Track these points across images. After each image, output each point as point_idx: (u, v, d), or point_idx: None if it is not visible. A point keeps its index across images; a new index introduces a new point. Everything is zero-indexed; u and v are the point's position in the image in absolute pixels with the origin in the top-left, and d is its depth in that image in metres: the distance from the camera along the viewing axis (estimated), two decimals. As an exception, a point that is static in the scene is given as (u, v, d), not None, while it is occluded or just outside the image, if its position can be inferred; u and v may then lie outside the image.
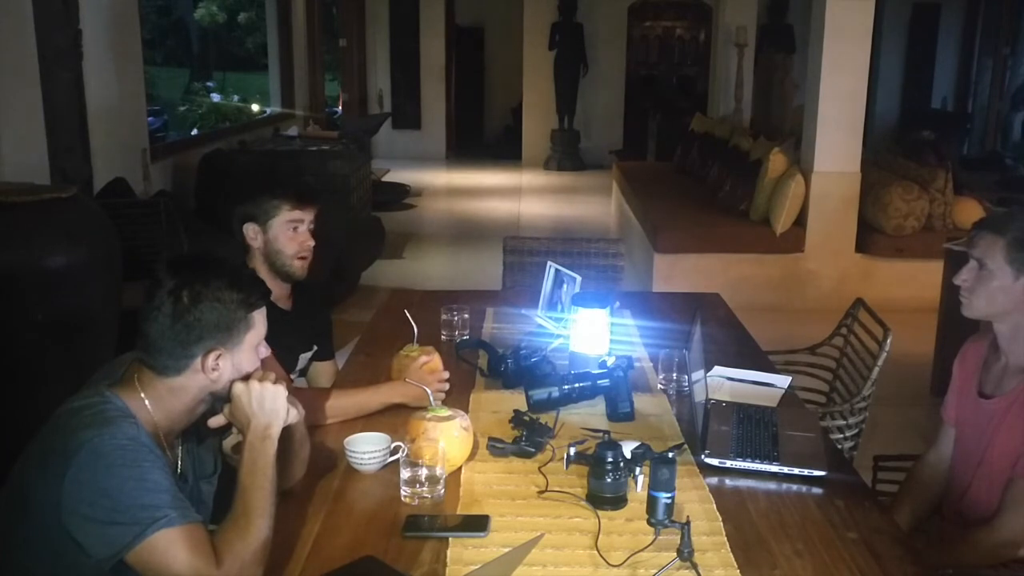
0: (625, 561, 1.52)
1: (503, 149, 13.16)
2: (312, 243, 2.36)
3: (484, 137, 14.31)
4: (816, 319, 4.01)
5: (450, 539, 1.59)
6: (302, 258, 2.34)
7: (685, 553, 1.50)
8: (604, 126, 12.49)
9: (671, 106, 11.10)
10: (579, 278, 2.68)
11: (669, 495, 1.59)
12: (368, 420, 2.08)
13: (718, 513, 1.70)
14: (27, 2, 4.19)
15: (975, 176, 7.96)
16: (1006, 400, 1.94)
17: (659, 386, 2.34)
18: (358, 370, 2.45)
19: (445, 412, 1.86)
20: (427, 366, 2.17)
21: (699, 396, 2.07)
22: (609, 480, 1.69)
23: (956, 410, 2.11)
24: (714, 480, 1.84)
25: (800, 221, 5.73)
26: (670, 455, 1.74)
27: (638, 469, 1.75)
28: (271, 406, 1.58)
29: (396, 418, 2.05)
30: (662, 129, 10.43)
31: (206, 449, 1.71)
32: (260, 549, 1.46)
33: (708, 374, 2.32)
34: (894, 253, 5.74)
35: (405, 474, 1.72)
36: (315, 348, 2.53)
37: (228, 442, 1.81)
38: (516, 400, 2.17)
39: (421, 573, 1.50)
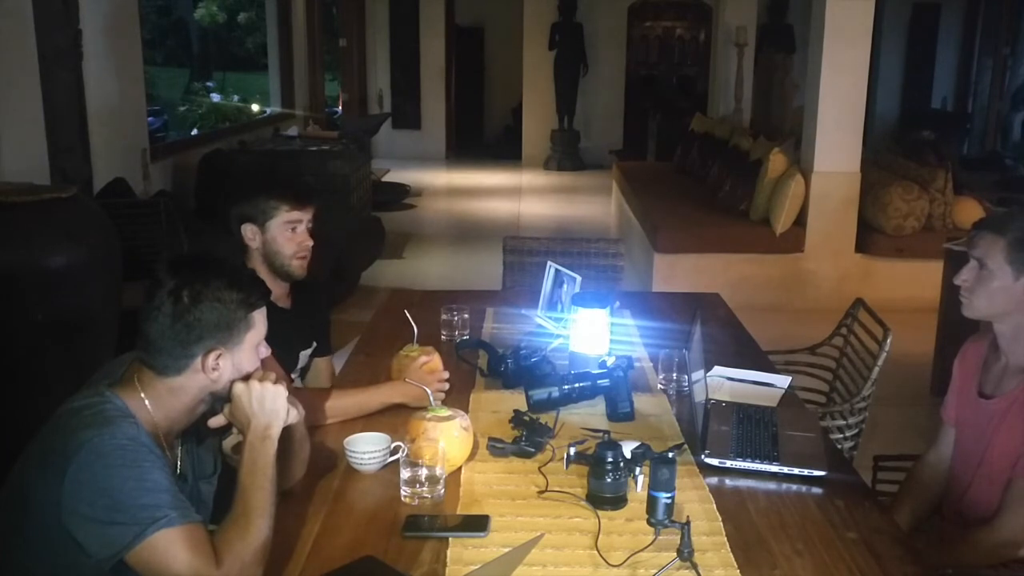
0: (625, 561, 1.52)
1: (503, 149, 13.15)
2: (310, 243, 2.36)
3: (484, 137, 14.30)
4: (816, 319, 4.01)
5: (450, 539, 1.59)
6: (301, 258, 2.34)
7: (685, 553, 1.50)
8: (604, 126, 12.48)
9: (671, 106, 11.08)
10: (579, 278, 2.68)
11: (669, 495, 1.59)
12: (368, 420, 2.08)
13: (718, 513, 1.70)
14: (27, 2, 4.19)
15: (975, 176, 7.94)
16: (1006, 400, 1.94)
17: (659, 386, 2.34)
18: (358, 370, 2.45)
19: (445, 412, 1.86)
20: (427, 366, 2.17)
21: (699, 396, 2.07)
22: (609, 480, 1.69)
23: (956, 410, 2.11)
24: (714, 480, 1.84)
25: (800, 221, 5.73)
26: (670, 455, 1.74)
27: (638, 469, 1.75)
28: (271, 406, 1.58)
29: (396, 418, 2.05)
30: (662, 129, 10.43)
31: (206, 449, 1.71)
32: (260, 549, 1.46)
33: (708, 374, 2.32)
34: (894, 253, 5.74)
35: (405, 474, 1.72)
36: (314, 344, 2.53)
37: (228, 442, 1.81)
38: (516, 400, 2.17)
39: (421, 573, 1.50)
